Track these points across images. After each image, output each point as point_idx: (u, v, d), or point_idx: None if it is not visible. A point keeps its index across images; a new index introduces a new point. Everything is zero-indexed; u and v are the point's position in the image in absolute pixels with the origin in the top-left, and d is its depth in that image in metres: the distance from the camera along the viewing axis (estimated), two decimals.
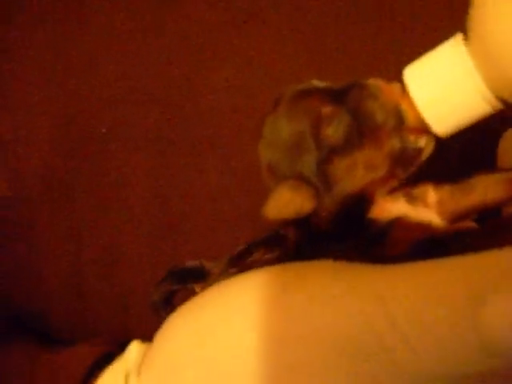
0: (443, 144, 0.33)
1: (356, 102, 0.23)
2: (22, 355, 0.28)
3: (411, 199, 0.25)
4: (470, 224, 0.25)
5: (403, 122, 0.23)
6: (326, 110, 0.23)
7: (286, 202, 0.23)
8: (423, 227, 0.24)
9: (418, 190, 0.26)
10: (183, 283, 0.27)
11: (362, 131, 0.23)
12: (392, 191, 0.25)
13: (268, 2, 0.34)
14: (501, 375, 0.18)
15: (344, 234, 0.24)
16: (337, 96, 0.23)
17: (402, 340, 0.18)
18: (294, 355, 0.19)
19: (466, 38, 0.22)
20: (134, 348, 0.25)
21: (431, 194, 0.26)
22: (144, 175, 0.32)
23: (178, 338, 0.22)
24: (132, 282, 0.32)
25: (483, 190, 0.25)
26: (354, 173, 0.23)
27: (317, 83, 0.24)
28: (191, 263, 0.29)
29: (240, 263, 0.26)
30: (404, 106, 0.23)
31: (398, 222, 0.24)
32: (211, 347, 0.21)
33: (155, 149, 0.32)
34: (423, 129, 0.23)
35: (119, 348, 0.26)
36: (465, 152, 0.33)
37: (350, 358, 0.19)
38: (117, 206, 0.32)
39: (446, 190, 0.26)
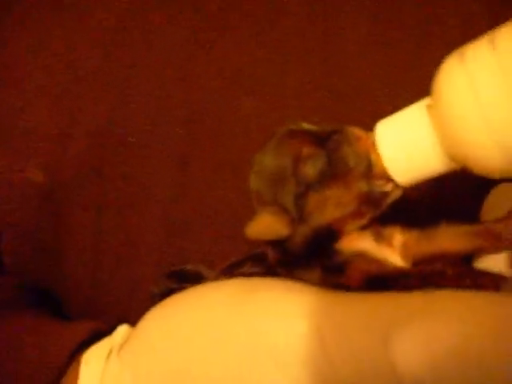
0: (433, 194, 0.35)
1: (334, 146, 0.26)
2: (24, 323, 0.31)
3: (378, 238, 0.28)
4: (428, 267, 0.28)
5: (372, 168, 0.26)
6: (306, 150, 0.26)
7: (266, 226, 0.27)
8: (379, 265, 0.27)
9: (386, 231, 0.28)
10: (181, 283, 0.30)
11: (335, 172, 0.26)
12: (363, 228, 0.28)
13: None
14: None
15: (312, 260, 0.27)
16: (319, 139, 0.27)
17: (329, 361, 0.21)
18: (234, 356, 0.23)
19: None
20: (122, 330, 0.28)
21: (398, 236, 0.28)
22: (165, 183, 0.36)
23: (154, 324, 0.26)
24: (139, 275, 0.35)
25: (445, 240, 0.28)
26: (325, 208, 0.26)
27: (305, 125, 0.28)
28: (191, 267, 0.33)
29: (230, 273, 0.30)
30: (374, 155, 0.26)
31: (360, 256, 0.27)
32: (179, 336, 0.25)
33: (179, 161, 0.36)
34: (389, 177, 0.26)
35: (112, 329, 0.29)
36: (453, 203, 0.36)
37: (286, 367, 0.22)
38: (137, 207, 0.36)
39: (412, 235, 0.28)
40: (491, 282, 0.23)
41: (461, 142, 0.23)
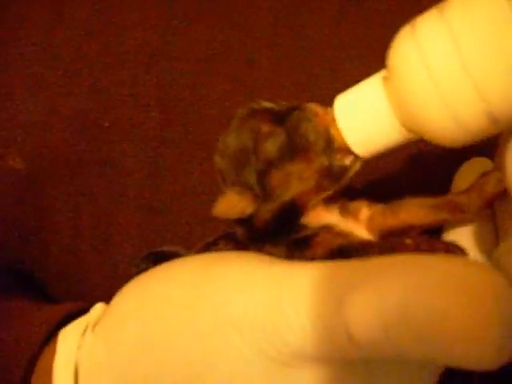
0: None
1: (293, 123, 0.27)
2: (2, 307, 0.32)
3: (345, 212, 0.29)
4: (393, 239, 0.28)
5: (332, 143, 0.26)
6: (266, 128, 0.27)
7: (232, 205, 0.27)
8: (343, 237, 0.27)
9: (353, 205, 0.29)
10: (159, 263, 0.30)
11: (296, 148, 0.27)
12: (330, 202, 0.29)
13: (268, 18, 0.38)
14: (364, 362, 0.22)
15: (278, 235, 0.28)
16: (278, 116, 0.27)
17: (288, 325, 0.21)
18: (202, 325, 0.23)
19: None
20: (98, 307, 0.29)
21: (364, 210, 0.29)
22: (140, 165, 0.36)
23: (125, 299, 0.27)
24: (119, 257, 0.36)
25: (409, 213, 0.28)
26: (287, 184, 0.27)
27: (266, 104, 0.28)
28: (168, 248, 0.33)
29: (207, 252, 0.31)
30: (333, 130, 0.26)
31: (325, 230, 0.28)
32: (148, 308, 0.25)
33: (153, 145, 0.36)
34: (349, 150, 0.26)
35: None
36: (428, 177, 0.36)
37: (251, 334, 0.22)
38: (114, 191, 0.36)
39: (378, 208, 0.29)
40: (448, 251, 0.24)
41: (414, 114, 0.24)
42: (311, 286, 0.21)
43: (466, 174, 0.31)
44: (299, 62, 0.37)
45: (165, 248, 0.34)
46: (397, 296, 0.19)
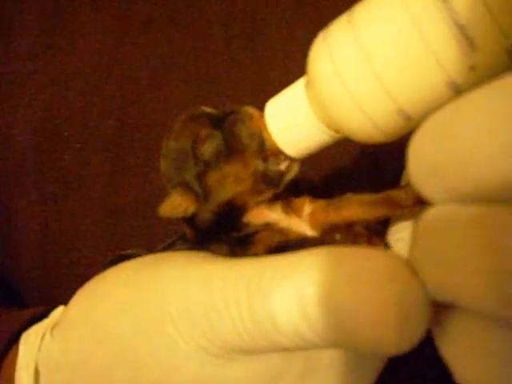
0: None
1: (229, 126, 0.28)
2: None
3: (287, 209, 0.30)
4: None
5: (264, 145, 0.28)
6: (203, 131, 0.28)
7: (176, 205, 0.28)
8: (281, 235, 0.28)
9: (295, 201, 0.30)
10: None
11: (231, 151, 0.28)
12: (272, 200, 0.30)
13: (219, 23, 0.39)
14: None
15: (220, 234, 0.29)
16: (216, 120, 0.28)
17: (219, 318, 0.23)
18: (140, 322, 0.25)
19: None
20: (59, 310, 0.31)
21: (306, 206, 0.29)
22: (101, 171, 0.38)
23: (78, 301, 0.28)
24: (85, 261, 0.38)
25: (349, 209, 0.29)
26: (224, 184, 0.28)
27: (205, 109, 0.29)
28: (133, 251, 0.35)
29: None
30: (266, 133, 0.27)
31: (265, 228, 0.29)
32: (97, 310, 0.27)
33: (113, 151, 0.38)
34: (283, 152, 0.28)
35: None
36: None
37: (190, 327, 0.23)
38: (78, 196, 0.38)
39: (319, 204, 0.29)
40: (370, 243, 0.25)
41: (333, 117, 0.25)
42: (238, 280, 0.23)
43: None
44: (254, 67, 0.38)
45: (129, 251, 0.35)
46: (312, 286, 0.20)
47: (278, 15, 0.39)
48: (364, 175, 0.37)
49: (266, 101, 0.37)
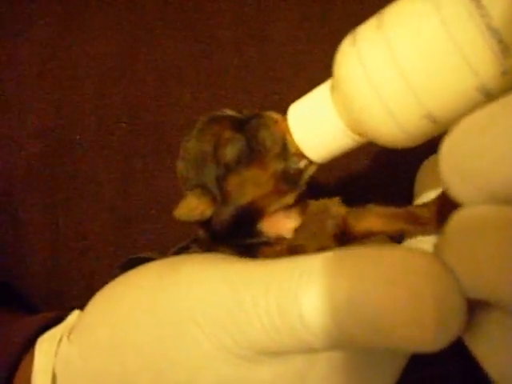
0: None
1: (252, 130, 0.28)
2: None
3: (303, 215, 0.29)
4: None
5: (287, 149, 0.27)
6: (226, 134, 0.28)
7: (192, 208, 0.28)
8: (292, 252, 0.28)
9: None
10: None
11: (253, 154, 0.28)
12: (289, 207, 0.30)
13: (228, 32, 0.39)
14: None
15: (234, 238, 0.29)
16: (239, 123, 0.28)
17: (247, 319, 0.22)
18: (163, 326, 0.24)
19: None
20: (74, 314, 0.30)
21: None
22: (111, 175, 0.38)
23: (96, 304, 0.28)
24: (96, 267, 0.37)
25: (370, 220, 0.28)
26: (245, 188, 0.28)
27: (228, 112, 0.29)
28: (145, 254, 0.34)
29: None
30: (288, 136, 0.27)
31: (277, 241, 0.28)
32: (116, 314, 0.26)
33: (122, 155, 0.38)
34: (304, 155, 0.28)
35: None
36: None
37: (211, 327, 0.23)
38: (88, 201, 0.37)
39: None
40: None
41: (360, 120, 0.25)
42: (266, 279, 0.22)
43: (428, 170, 0.32)
44: (264, 69, 0.38)
45: (141, 255, 0.35)
46: (344, 291, 0.20)
47: (287, 17, 0.39)
48: (376, 183, 0.37)
49: (276, 102, 0.38)
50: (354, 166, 0.37)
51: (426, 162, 0.33)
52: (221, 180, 0.28)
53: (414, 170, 0.33)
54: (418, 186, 0.33)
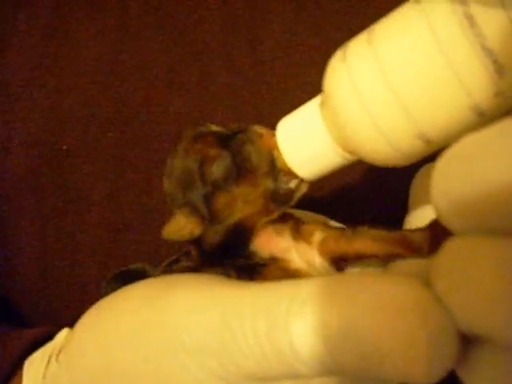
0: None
1: (238, 146, 0.27)
2: None
3: (296, 235, 0.28)
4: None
5: (275, 165, 0.27)
6: (212, 151, 0.27)
7: (180, 227, 0.27)
8: (288, 273, 0.27)
9: (305, 227, 0.28)
10: (127, 282, 0.30)
11: (240, 171, 0.27)
12: (280, 223, 0.29)
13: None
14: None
15: (225, 258, 0.28)
16: (224, 140, 0.27)
17: (240, 347, 0.22)
18: (150, 352, 0.24)
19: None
20: (63, 333, 0.29)
21: (317, 233, 0.28)
22: (101, 185, 0.37)
23: (84, 326, 0.27)
24: (86, 278, 0.37)
25: (362, 243, 0.27)
26: (233, 206, 0.27)
27: (212, 127, 0.28)
28: (135, 266, 0.34)
29: (171, 268, 0.31)
30: (276, 152, 0.26)
31: (273, 261, 0.27)
32: (105, 339, 0.26)
33: (112, 164, 0.37)
34: (293, 172, 0.27)
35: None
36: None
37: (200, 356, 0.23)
38: (77, 210, 0.37)
39: (332, 233, 0.28)
40: None
41: (350, 138, 0.24)
42: (255, 307, 0.22)
43: (422, 180, 0.31)
44: (254, 75, 0.37)
45: (131, 266, 0.34)
46: (335, 319, 0.19)
47: (279, 21, 0.38)
48: (364, 197, 0.36)
49: (266, 108, 0.37)
50: (347, 176, 0.37)
51: (422, 170, 0.32)
52: (208, 198, 0.27)
53: (408, 180, 0.32)
54: (412, 198, 0.32)
